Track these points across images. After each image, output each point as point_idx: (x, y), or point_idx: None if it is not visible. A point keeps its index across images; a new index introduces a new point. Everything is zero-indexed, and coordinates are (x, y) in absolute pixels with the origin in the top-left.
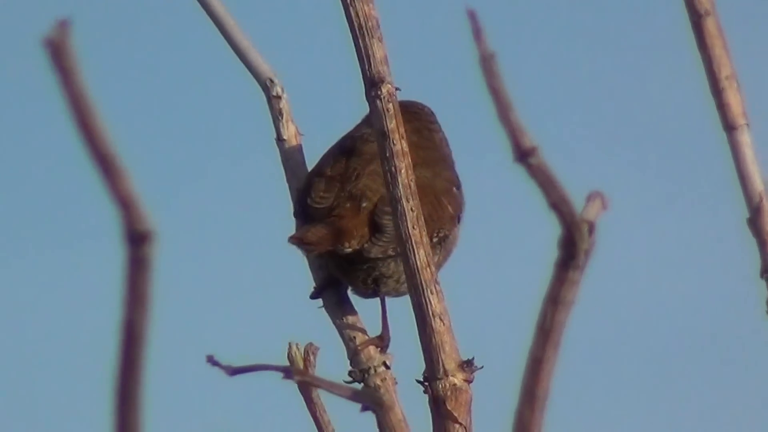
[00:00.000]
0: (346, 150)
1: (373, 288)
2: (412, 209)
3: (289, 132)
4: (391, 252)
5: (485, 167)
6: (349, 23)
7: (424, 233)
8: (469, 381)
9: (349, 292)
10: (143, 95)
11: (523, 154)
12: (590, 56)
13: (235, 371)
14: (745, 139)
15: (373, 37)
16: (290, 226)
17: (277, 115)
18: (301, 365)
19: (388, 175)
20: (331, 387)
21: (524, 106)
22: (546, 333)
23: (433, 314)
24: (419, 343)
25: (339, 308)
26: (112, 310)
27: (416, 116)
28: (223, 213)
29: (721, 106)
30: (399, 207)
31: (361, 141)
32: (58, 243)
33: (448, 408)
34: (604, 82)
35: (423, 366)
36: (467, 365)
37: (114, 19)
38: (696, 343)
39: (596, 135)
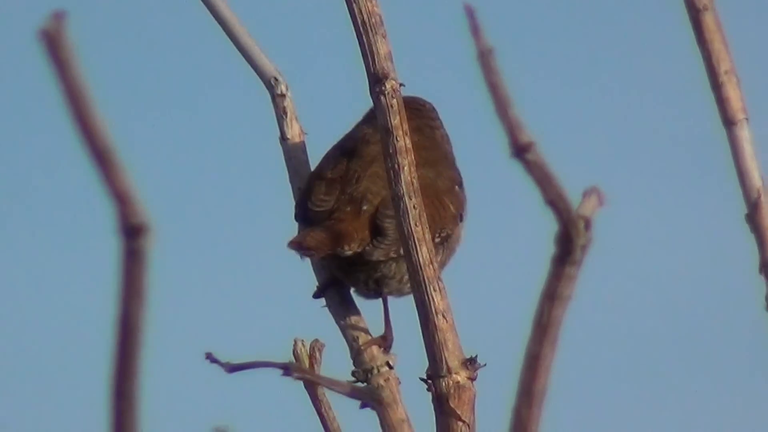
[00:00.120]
0: (347, 151)
1: (374, 289)
2: (414, 206)
3: (293, 131)
4: (392, 255)
5: (482, 163)
6: (352, 20)
7: (427, 230)
8: (472, 378)
9: (352, 292)
10: (146, 92)
11: (521, 150)
12: (588, 51)
13: (233, 368)
14: (745, 134)
15: (376, 33)
16: (292, 224)
17: (281, 114)
18: (306, 362)
19: (391, 172)
20: (331, 384)
21: (522, 101)
22: (543, 329)
23: (436, 312)
24: (422, 340)
25: (342, 308)
26: (107, 304)
27: (418, 113)
28: (226, 211)
29: (720, 101)
30: (401, 204)
31: (362, 142)
32: (53, 236)
33: (452, 406)
34: (602, 77)
35: (426, 364)
36: (470, 363)
37: (118, 16)
38: (694, 338)
39: (593, 131)
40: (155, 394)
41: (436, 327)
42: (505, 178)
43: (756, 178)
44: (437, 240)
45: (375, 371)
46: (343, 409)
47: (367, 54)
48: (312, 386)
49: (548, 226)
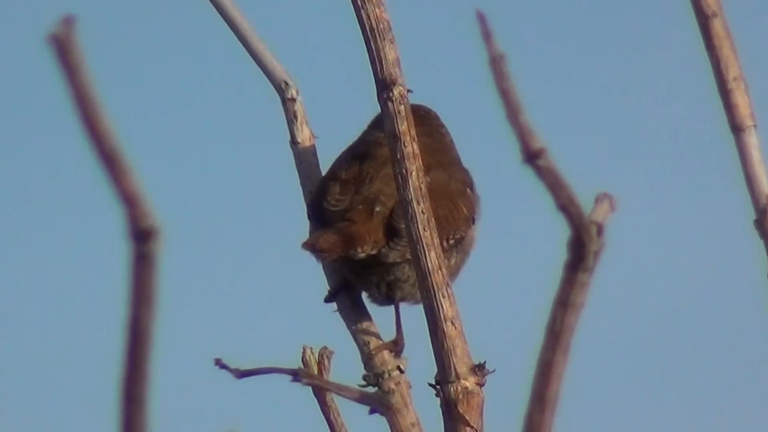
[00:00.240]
0: (360, 154)
1: (386, 293)
2: (422, 211)
3: (303, 135)
4: (408, 256)
5: (494, 169)
6: (360, 26)
7: (435, 235)
8: (480, 384)
9: (364, 298)
10: (157, 96)
11: (532, 156)
12: (598, 58)
13: (242, 374)
14: (753, 140)
15: (384, 39)
16: (304, 228)
17: (291, 118)
18: (315, 369)
19: (399, 177)
20: (340, 389)
21: (533, 107)
22: (555, 336)
23: (444, 318)
24: (431, 346)
25: (353, 312)
26: (117, 308)
27: (426, 119)
28: (237, 215)
29: (729, 108)
30: (410, 209)
31: (375, 144)
32: (63, 240)
33: (460, 411)
34: (612, 83)
35: (435, 369)
36: (479, 369)
37: (128, 20)
38: (705, 344)
39: (604, 136)
40: (165, 399)
41: (445, 333)
42: (516, 184)
43: (764, 184)
44: (451, 242)
45: (386, 375)
46: (352, 415)
47: (375, 60)
48: (321, 392)
49: (560, 232)
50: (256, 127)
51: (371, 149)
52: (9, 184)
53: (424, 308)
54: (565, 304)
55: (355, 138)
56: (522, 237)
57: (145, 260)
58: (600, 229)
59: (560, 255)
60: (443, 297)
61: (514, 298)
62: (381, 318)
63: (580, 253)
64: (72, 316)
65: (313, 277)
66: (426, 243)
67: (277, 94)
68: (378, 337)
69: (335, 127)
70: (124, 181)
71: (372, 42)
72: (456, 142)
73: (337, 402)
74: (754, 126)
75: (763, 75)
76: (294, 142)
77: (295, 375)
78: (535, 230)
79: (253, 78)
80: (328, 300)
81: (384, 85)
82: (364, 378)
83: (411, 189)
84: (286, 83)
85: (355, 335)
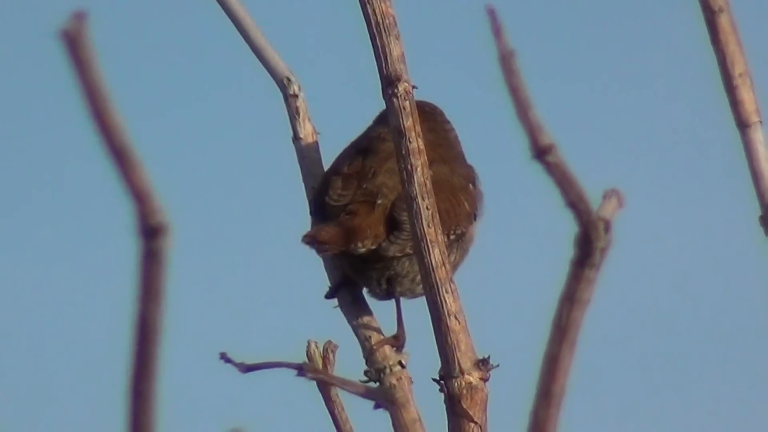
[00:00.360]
0: (363, 149)
1: (386, 288)
2: (427, 207)
3: (306, 130)
4: (408, 250)
5: (503, 165)
6: (366, 21)
7: (439, 231)
8: (484, 379)
9: (365, 293)
10: (162, 92)
11: (541, 152)
12: (605, 54)
13: (248, 368)
14: (758, 136)
15: (390, 35)
16: (305, 224)
17: (293, 114)
18: (319, 363)
19: (404, 173)
20: (344, 384)
21: (542, 104)
22: (562, 331)
23: (448, 313)
24: (435, 341)
25: (354, 308)
26: (125, 304)
27: (430, 115)
28: (239, 211)
29: (735, 104)
30: (414, 205)
31: (378, 140)
32: (72, 236)
33: (464, 406)
34: (619, 79)
35: (439, 364)
36: (483, 364)
37: (133, 15)
38: (711, 340)
39: (611, 132)
40: (171, 393)
41: (449, 328)
42: (525, 180)
43: None
44: (452, 237)
45: (387, 370)
46: (356, 410)
47: (380, 56)
48: (325, 387)
49: (568, 228)
50: (259, 123)
51: (374, 144)
52: (19, 180)
53: (428, 303)
54: (571, 299)
55: (359, 134)
56: (530, 232)
57: (154, 256)
58: (607, 226)
59: (567, 251)
60: (447, 292)
61: (522, 294)
62: (382, 313)
63: (588, 249)
64: (81, 312)
65: (314, 273)
66: (430, 239)
67: (279, 90)
68: (379, 332)
69: (338, 123)
70: (133, 177)
71: (377, 37)
72: (464, 138)
73: (342, 397)
74: (760, 122)
75: None
76: (296, 138)
77: (301, 369)
78: (543, 226)
79: (256, 74)
80: (329, 296)
81: (389, 81)
82: (366, 373)
83: (416, 185)
84: (289, 79)
85: (356, 331)
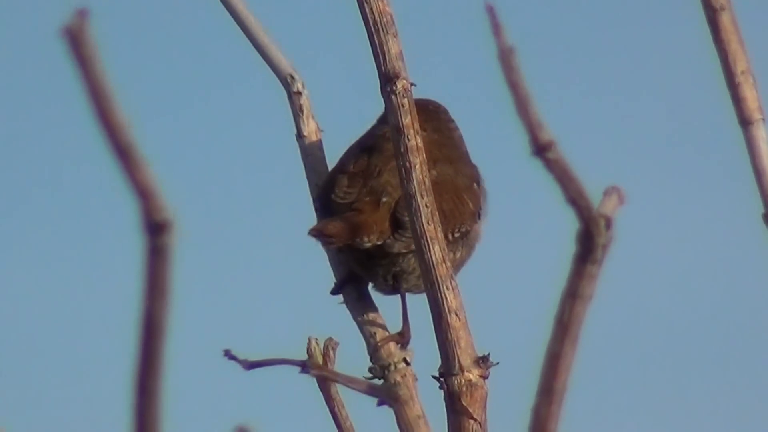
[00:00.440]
0: (368, 147)
1: (393, 284)
2: (426, 205)
3: (310, 128)
4: (413, 247)
5: (503, 162)
6: (363, 19)
7: (439, 229)
8: (484, 377)
9: (370, 288)
10: (166, 89)
11: (541, 149)
12: (607, 51)
13: (251, 365)
14: (761, 133)
15: (387, 33)
16: (310, 221)
17: (297, 111)
18: (320, 361)
19: (403, 171)
20: (348, 381)
21: (542, 100)
22: (564, 327)
23: (448, 310)
24: (435, 338)
25: (360, 304)
26: (131, 301)
27: (434, 114)
28: (243, 208)
29: (737, 101)
30: (413, 203)
31: (383, 138)
32: (77, 233)
33: (464, 404)
34: (620, 76)
35: (440, 361)
36: (483, 361)
37: (137, 13)
38: (713, 336)
39: (612, 129)
40: (176, 390)
41: (449, 325)
42: (525, 177)
43: None
44: (456, 235)
45: (392, 367)
46: (356, 408)
47: (378, 54)
48: (325, 385)
49: (569, 224)
50: (262, 121)
51: (379, 143)
52: (23, 177)
53: (429, 300)
54: (573, 295)
55: (363, 132)
56: (531, 229)
57: (159, 253)
58: (608, 222)
59: (569, 247)
60: (447, 289)
61: (523, 290)
62: (387, 310)
63: (589, 245)
64: (86, 309)
65: (319, 270)
66: (430, 236)
67: (283, 88)
68: (384, 328)
69: (341, 121)
70: (137, 174)
71: (375, 35)
72: (464, 135)
73: (342, 394)
74: (762, 119)
75: None
76: (300, 135)
77: (304, 366)
78: (544, 222)
79: (259, 71)
80: (334, 292)
81: (387, 79)
82: (370, 370)
83: (415, 182)
84: (292, 76)
85: (361, 327)
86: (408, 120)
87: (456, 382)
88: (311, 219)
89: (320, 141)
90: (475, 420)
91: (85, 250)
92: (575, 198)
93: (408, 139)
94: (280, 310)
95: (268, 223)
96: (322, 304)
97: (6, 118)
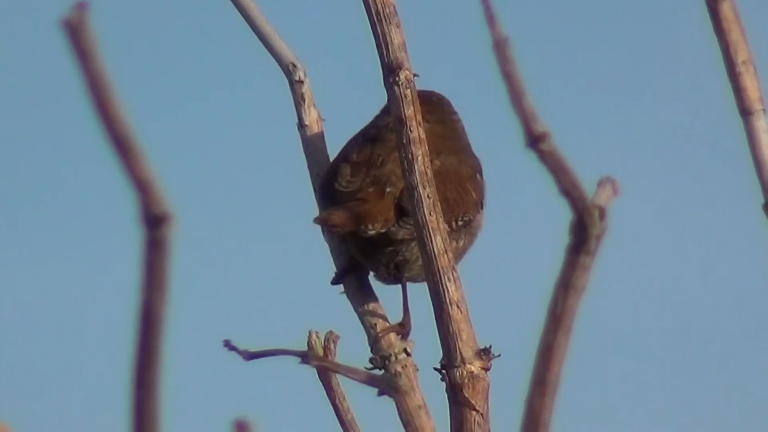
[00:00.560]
0: (371, 137)
1: (395, 273)
2: (428, 196)
3: (311, 117)
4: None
5: (497, 153)
6: (366, 10)
7: (441, 220)
8: (486, 369)
9: (371, 278)
10: (166, 80)
11: (535, 140)
12: (604, 41)
13: (251, 356)
14: (761, 124)
15: (390, 23)
16: (310, 211)
17: (299, 100)
18: (320, 354)
19: (405, 162)
20: (348, 372)
21: (536, 91)
22: (557, 318)
23: (450, 302)
24: (437, 330)
25: (360, 294)
26: (129, 294)
27: (438, 106)
28: (243, 198)
29: (738, 91)
30: (416, 194)
31: (386, 129)
32: (75, 226)
33: (465, 395)
34: (618, 67)
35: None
36: (484, 353)
37: (137, 3)
38: (709, 328)
39: (608, 120)
40: (174, 382)
41: (451, 317)
42: (519, 168)
43: None
44: (460, 224)
45: (393, 358)
46: (357, 399)
47: (381, 44)
48: (326, 377)
49: (563, 215)
50: (264, 110)
51: (382, 133)
52: (21, 170)
53: (430, 292)
54: (567, 286)
55: (365, 122)
56: (525, 220)
57: (158, 246)
58: (602, 213)
59: (563, 238)
60: (449, 281)
61: (517, 282)
62: (388, 300)
63: (583, 236)
64: (84, 302)
65: (319, 260)
66: (432, 227)
67: (284, 77)
68: (385, 319)
69: (343, 110)
70: (136, 166)
71: (378, 26)
72: None
73: (343, 386)
74: (763, 110)
75: None
76: (301, 124)
77: (304, 357)
78: (538, 214)
79: (261, 60)
80: (335, 282)
81: (390, 70)
82: (371, 361)
83: (417, 174)
84: (294, 65)
85: (361, 317)
86: (410, 111)
87: (458, 374)
88: (312, 209)
89: (322, 130)
90: (478, 411)
91: (83, 243)
92: (569, 189)
93: (410, 131)
94: (280, 301)
95: (269, 214)
96: (323, 295)
97: (5, 111)
